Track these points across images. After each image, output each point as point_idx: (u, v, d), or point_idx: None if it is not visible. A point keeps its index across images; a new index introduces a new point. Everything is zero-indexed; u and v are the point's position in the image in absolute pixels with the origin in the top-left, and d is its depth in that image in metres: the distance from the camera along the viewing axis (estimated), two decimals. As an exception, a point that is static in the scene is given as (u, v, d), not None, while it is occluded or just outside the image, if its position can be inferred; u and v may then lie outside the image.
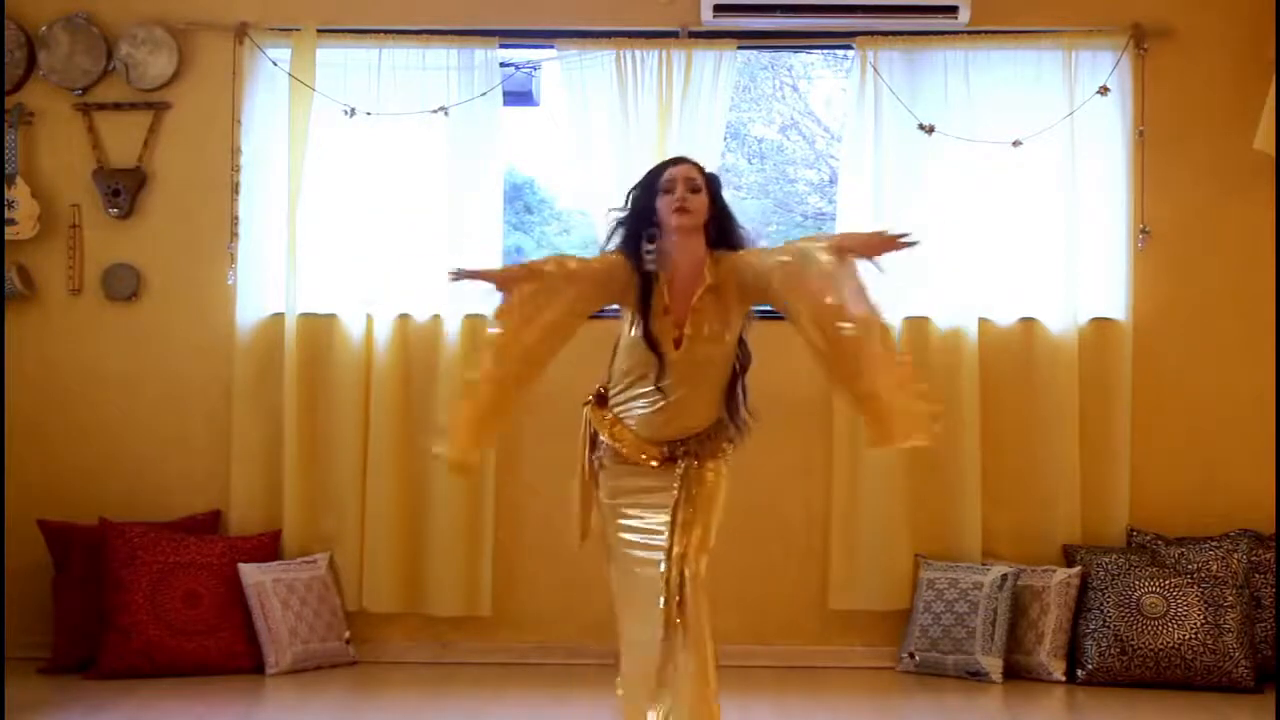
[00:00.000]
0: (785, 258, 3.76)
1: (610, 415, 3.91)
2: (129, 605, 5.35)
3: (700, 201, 3.85)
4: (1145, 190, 5.70)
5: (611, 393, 3.92)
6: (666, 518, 3.80)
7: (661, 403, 3.82)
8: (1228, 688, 5.24)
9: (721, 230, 3.91)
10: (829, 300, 3.64)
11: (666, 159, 4.06)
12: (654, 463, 3.85)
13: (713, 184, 3.93)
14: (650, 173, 3.94)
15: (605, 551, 3.96)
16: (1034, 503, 5.70)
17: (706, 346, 3.80)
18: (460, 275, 3.87)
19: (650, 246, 3.84)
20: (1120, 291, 5.71)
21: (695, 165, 3.93)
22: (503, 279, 3.85)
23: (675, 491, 3.81)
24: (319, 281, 5.76)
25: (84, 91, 5.82)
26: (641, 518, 3.86)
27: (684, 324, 3.79)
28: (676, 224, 3.81)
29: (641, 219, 3.86)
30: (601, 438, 3.92)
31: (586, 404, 3.97)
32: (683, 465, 3.84)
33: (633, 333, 3.83)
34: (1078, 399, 5.65)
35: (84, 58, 5.79)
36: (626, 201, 3.93)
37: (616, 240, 3.91)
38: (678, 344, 3.79)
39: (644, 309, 3.80)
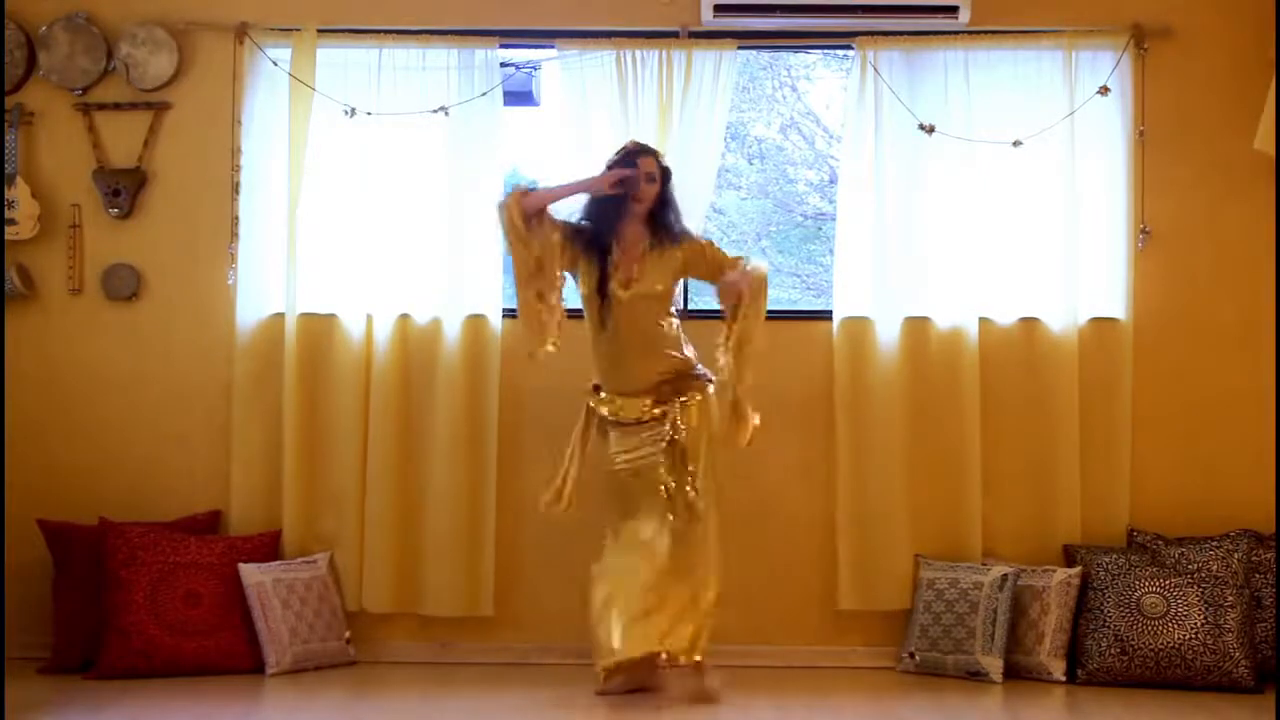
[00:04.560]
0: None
1: (602, 393, 5.19)
2: (129, 605, 5.35)
3: (652, 190, 5.16)
4: (1145, 190, 5.70)
5: (597, 378, 5.21)
6: (655, 452, 5.09)
7: (616, 342, 5.10)
8: (1228, 688, 5.24)
9: (660, 211, 5.18)
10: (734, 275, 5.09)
11: (638, 146, 5.23)
12: (646, 410, 5.08)
13: (664, 175, 5.20)
14: (626, 156, 5.15)
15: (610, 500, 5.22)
16: (1034, 503, 5.70)
17: (646, 288, 5.08)
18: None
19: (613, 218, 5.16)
20: (1120, 291, 5.71)
21: (656, 159, 5.19)
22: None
23: (666, 431, 5.07)
24: (319, 281, 5.76)
25: (84, 91, 5.82)
26: (634, 458, 5.12)
27: (631, 273, 5.10)
28: (635, 210, 5.14)
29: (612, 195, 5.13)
30: (603, 412, 5.17)
31: (588, 394, 5.25)
32: (667, 410, 5.07)
33: (582, 293, 5.14)
34: (1078, 399, 5.66)
35: (84, 58, 5.79)
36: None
37: (591, 203, 5.17)
38: (626, 286, 5.08)
39: (599, 269, 5.12)
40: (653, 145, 5.33)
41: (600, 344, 5.18)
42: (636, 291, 5.08)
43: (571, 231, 5.15)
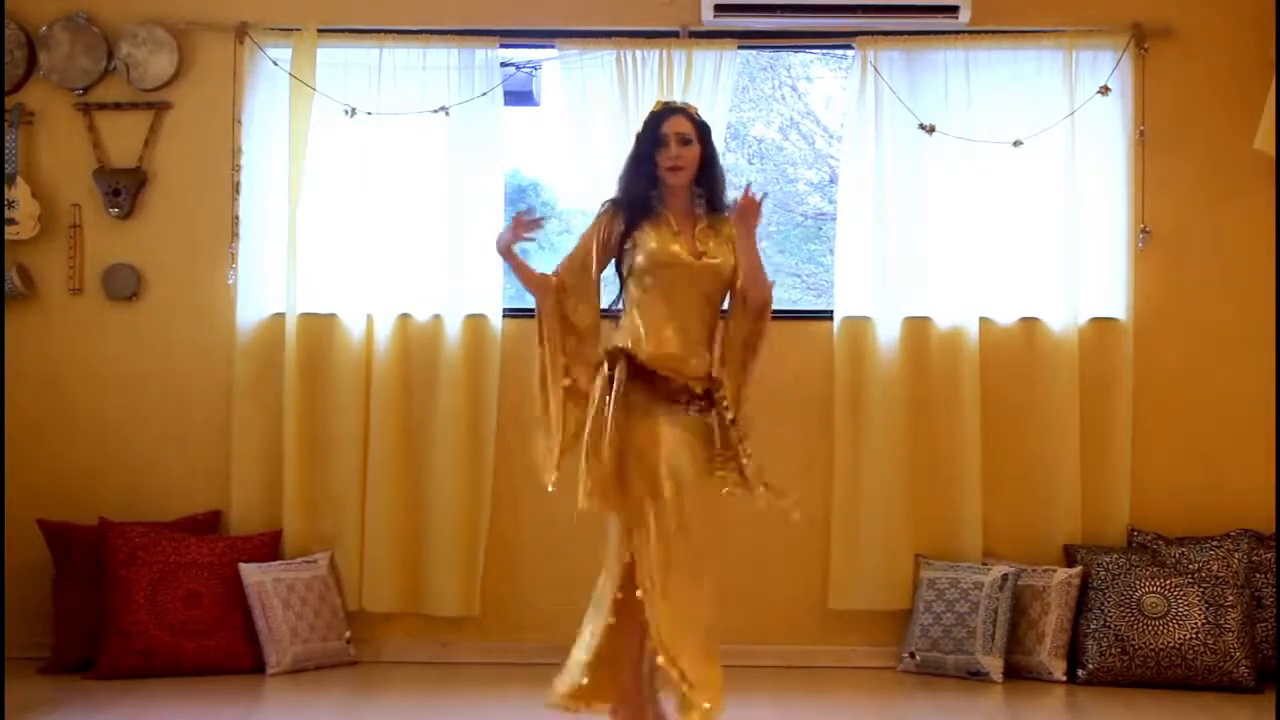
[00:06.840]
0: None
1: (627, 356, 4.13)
2: (129, 605, 5.35)
3: (691, 154, 4.21)
4: (1145, 190, 5.70)
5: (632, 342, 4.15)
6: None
7: (663, 306, 4.13)
8: (1228, 688, 5.24)
9: (704, 175, 4.25)
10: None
11: (665, 104, 4.34)
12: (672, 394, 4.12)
13: (702, 131, 4.25)
14: (649, 122, 4.26)
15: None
16: (1034, 502, 5.71)
17: (717, 259, 4.17)
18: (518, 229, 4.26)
19: (655, 193, 4.23)
20: (1120, 291, 5.71)
21: (687, 116, 4.26)
22: (529, 282, 4.29)
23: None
24: (319, 281, 5.77)
25: (84, 91, 5.82)
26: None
27: (696, 243, 4.18)
28: (671, 182, 4.21)
29: (641, 166, 4.23)
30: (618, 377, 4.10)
31: (601, 363, 4.17)
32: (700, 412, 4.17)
33: (641, 259, 4.15)
34: (1078, 399, 5.65)
35: (84, 58, 5.79)
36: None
37: (622, 185, 4.27)
38: (697, 256, 4.16)
39: (651, 233, 4.18)
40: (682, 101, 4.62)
41: (645, 311, 4.18)
42: (707, 263, 4.18)
43: (606, 236, 4.25)
